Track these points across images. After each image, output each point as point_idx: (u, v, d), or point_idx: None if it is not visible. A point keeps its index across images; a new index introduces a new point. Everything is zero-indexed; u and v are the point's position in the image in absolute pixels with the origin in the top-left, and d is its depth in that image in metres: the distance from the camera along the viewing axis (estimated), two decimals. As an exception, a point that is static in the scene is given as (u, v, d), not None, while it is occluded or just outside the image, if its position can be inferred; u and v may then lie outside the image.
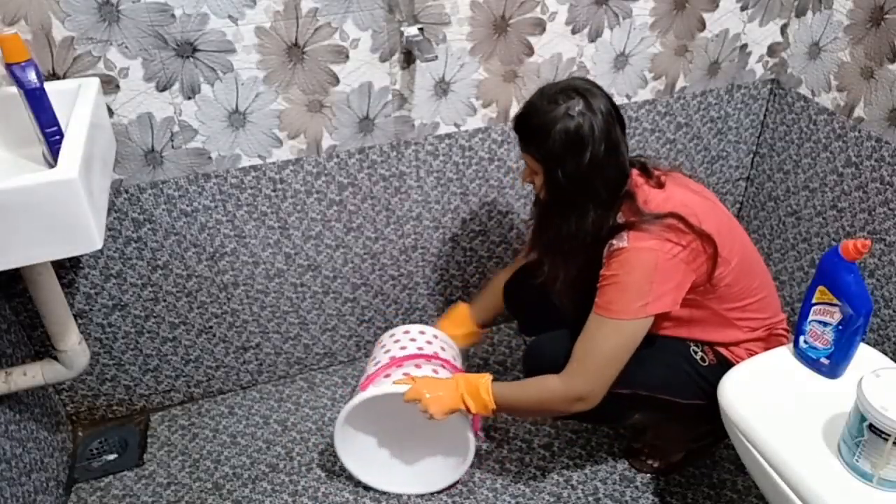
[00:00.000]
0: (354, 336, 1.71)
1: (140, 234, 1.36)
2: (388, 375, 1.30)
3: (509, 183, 1.59)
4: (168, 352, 1.54)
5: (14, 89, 0.96)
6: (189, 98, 1.24)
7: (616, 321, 1.09)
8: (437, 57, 1.35)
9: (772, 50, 1.65)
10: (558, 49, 1.44)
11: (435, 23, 1.31)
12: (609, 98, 1.09)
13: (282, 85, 1.28)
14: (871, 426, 0.91)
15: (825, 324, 1.09)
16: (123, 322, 1.46)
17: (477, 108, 1.46)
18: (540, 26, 1.39)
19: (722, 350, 1.24)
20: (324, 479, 1.47)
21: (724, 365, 1.21)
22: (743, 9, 1.55)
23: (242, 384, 1.68)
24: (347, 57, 1.29)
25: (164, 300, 1.46)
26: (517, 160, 1.56)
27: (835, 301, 1.06)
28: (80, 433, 1.55)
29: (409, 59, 1.34)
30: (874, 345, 1.53)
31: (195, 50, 1.19)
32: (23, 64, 0.92)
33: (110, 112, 1.21)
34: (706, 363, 1.22)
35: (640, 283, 1.08)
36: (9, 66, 0.92)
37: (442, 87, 1.40)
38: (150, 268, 1.41)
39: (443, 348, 1.39)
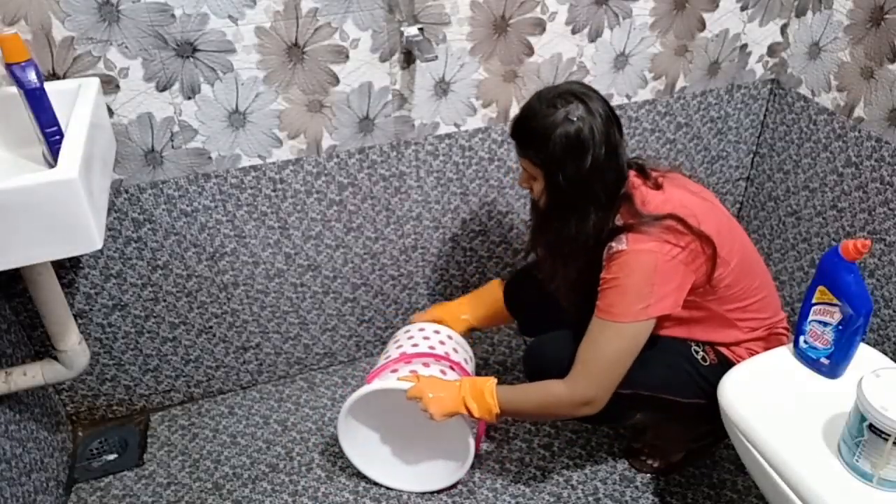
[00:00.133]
0: (354, 336, 1.71)
1: (140, 234, 1.36)
2: (394, 371, 1.30)
3: (509, 183, 1.60)
4: (168, 352, 1.54)
5: (14, 89, 0.96)
6: (189, 98, 1.24)
7: (618, 324, 1.09)
8: (437, 57, 1.35)
9: (772, 50, 1.65)
10: (558, 49, 1.44)
11: (435, 23, 1.31)
12: (606, 101, 1.09)
13: (282, 85, 1.28)
14: (871, 426, 0.91)
15: (825, 324, 1.09)
16: (123, 322, 1.46)
17: (477, 108, 1.46)
18: (540, 26, 1.39)
19: (723, 350, 1.24)
20: (324, 479, 1.47)
21: (725, 364, 1.21)
22: (743, 9, 1.55)
23: (242, 384, 1.68)
24: (347, 57, 1.29)
25: (164, 300, 1.46)
26: (517, 160, 1.56)
27: (835, 301, 1.06)
28: (80, 433, 1.55)
29: (409, 59, 1.34)
30: (874, 345, 1.53)
31: (195, 50, 1.19)
32: (23, 64, 0.92)
33: (110, 112, 1.21)
34: (707, 363, 1.22)
35: (641, 286, 1.08)
36: (9, 66, 0.92)
37: (442, 87, 1.40)
38: (150, 268, 1.41)
39: (455, 350, 1.39)
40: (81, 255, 1.34)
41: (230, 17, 1.18)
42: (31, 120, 0.97)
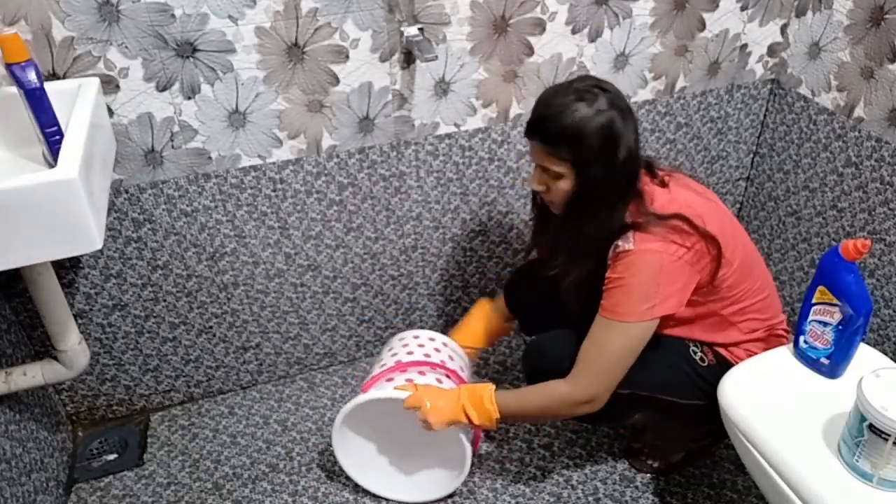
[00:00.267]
0: (354, 336, 1.71)
1: (140, 234, 1.36)
2: (390, 379, 1.29)
3: (509, 183, 1.59)
4: (168, 352, 1.54)
5: (14, 89, 0.96)
6: (189, 98, 1.24)
7: (623, 324, 1.10)
8: (437, 57, 1.35)
9: (772, 50, 1.65)
10: (558, 49, 1.44)
11: (435, 23, 1.31)
12: (620, 92, 1.09)
13: (282, 85, 1.28)
14: (871, 426, 0.91)
15: (825, 324, 1.09)
16: (123, 322, 1.46)
17: (477, 108, 1.46)
18: (540, 26, 1.39)
19: (721, 350, 1.24)
20: (324, 479, 1.47)
21: (724, 365, 1.21)
22: (743, 9, 1.55)
23: (242, 384, 1.68)
24: (347, 57, 1.29)
25: (164, 300, 1.46)
26: (517, 160, 1.56)
27: (835, 301, 1.06)
28: (80, 433, 1.55)
29: (409, 59, 1.34)
30: (874, 345, 1.53)
31: (195, 50, 1.19)
32: (23, 64, 0.92)
33: (110, 112, 1.21)
34: (705, 363, 1.22)
35: (647, 286, 1.08)
36: (9, 66, 0.92)
37: (442, 87, 1.40)
38: (150, 268, 1.41)
39: (451, 357, 1.38)
40: (81, 255, 1.34)
41: (230, 17, 1.18)
42: (31, 120, 0.97)
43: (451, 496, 1.42)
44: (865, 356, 1.15)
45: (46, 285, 1.13)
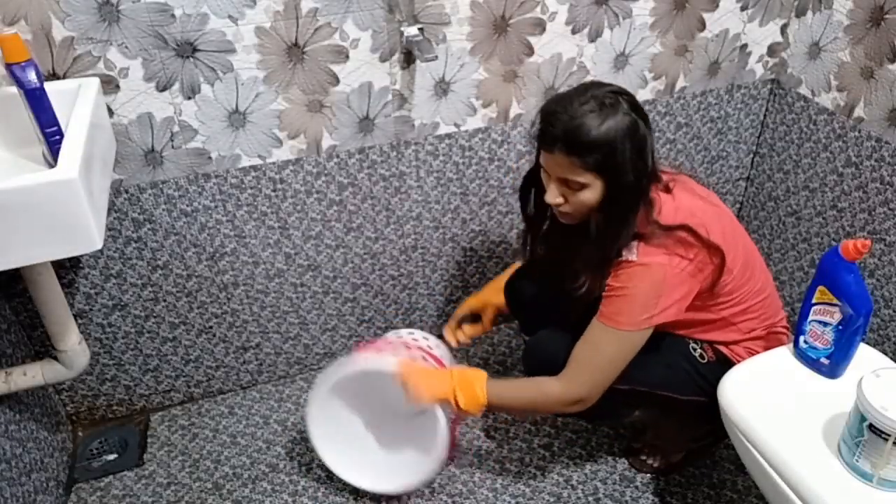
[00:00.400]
0: (354, 336, 1.71)
1: (140, 234, 1.36)
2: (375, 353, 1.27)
3: (509, 183, 1.60)
4: (168, 352, 1.54)
5: (14, 89, 0.96)
6: (189, 98, 1.24)
7: (620, 332, 1.10)
8: (437, 57, 1.35)
9: (772, 50, 1.65)
10: (558, 49, 1.44)
11: (435, 23, 1.31)
12: None
13: (282, 85, 1.28)
14: (871, 426, 0.91)
15: (825, 324, 1.09)
16: (123, 322, 1.46)
17: (477, 108, 1.46)
18: (540, 26, 1.39)
19: (721, 348, 1.24)
20: (324, 479, 1.47)
21: (724, 363, 1.21)
22: (743, 9, 1.55)
23: (242, 384, 1.68)
24: (347, 57, 1.29)
25: (164, 300, 1.46)
26: (517, 160, 1.56)
27: (835, 301, 1.06)
28: (80, 433, 1.55)
29: (409, 59, 1.34)
30: (874, 345, 1.53)
31: (195, 50, 1.19)
32: (23, 64, 0.92)
33: (110, 112, 1.21)
34: (705, 360, 1.22)
35: (647, 297, 1.08)
36: (9, 66, 0.92)
37: (442, 87, 1.40)
38: (150, 268, 1.41)
39: (430, 347, 1.38)
40: (81, 255, 1.34)
41: (230, 17, 1.18)
42: (31, 120, 0.97)
43: (438, 490, 1.42)
44: (865, 356, 1.15)
45: (46, 285, 1.13)
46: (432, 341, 1.41)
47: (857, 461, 0.95)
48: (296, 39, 1.24)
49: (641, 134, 1.03)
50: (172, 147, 1.29)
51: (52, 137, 0.97)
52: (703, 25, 1.53)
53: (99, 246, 0.95)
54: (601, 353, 1.12)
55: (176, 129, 1.27)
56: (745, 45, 1.61)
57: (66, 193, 0.88)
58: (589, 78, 1.50)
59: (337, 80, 1.32)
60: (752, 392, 1.11)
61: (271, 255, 1.49)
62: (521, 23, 1.37)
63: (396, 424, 1.36)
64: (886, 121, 1.42)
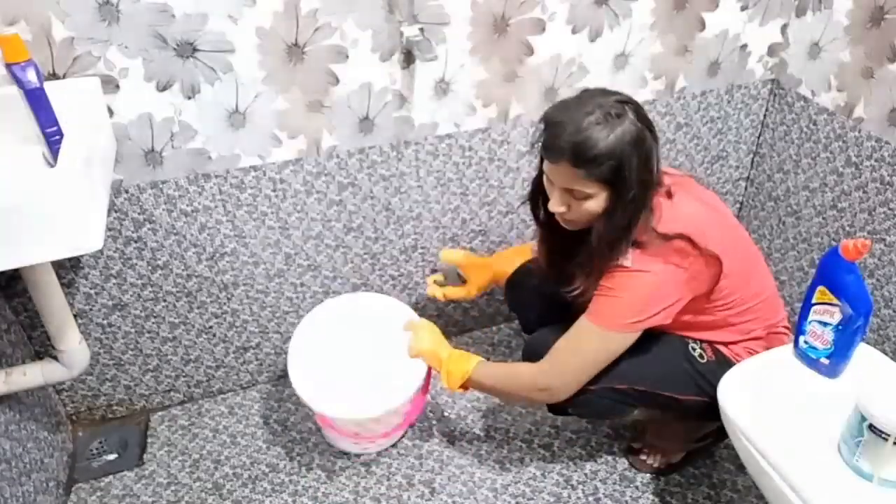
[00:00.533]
0: (354, 336, 1.71)
1: (140, 234, 1.36)
2: None
3: (509, 183, 1.59)
4: (168, 352, 1.54)
5: (14, 89, 0.96)
6: (189, 98, 1.24)
7: (605, 332, 1.11)
8: (437, 57, 1.35)
9: (772, 50, 1.65)
10: (558, 49, 1.44)
11: (435, 23, 1.31)
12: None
13: (282, 85, 1.28)
14: (871, 426, 0.91)
15: (825, 324, 1.09)
16: (123, 322, 1.46)
17: (477, 108, 1.46)
18: (540, 26, 1.39)
19: (721, 348, 1.24)
20: (324, 479, 1.47)
21: (723, 362, 1.21)
22: (743, 9, 1.55)
23: (242, 384, 1.68)
24: (347, 57, 1.29)
25: (164, 300, 1.46)
26: (517, 160, 1.56)
27: (835, 301, 1.06)
28: (80, 433, 1.55)
29: (409, 59, 1.34)
30: (874, 345, 1.53)
31: (195, 50, 1.19)
32: (23, 64, 0.92)
33: (110, 112, 1.21)
34: (704, 360, 1.22)
35: (636, 302, 1.09)
36: (9, 66, 0.92)
37: (442, 87, 1.40)
38: (150, 268, 1.41)
39: None
40: (81, 255, 1.34)
41: (230, 17, 1.18)
42: (31, 120, 0.97)
43: (438, 490, 1.42)
44: (865, 356, 1.15)
45: (46, 285, 1.13)
46: None
47: (857, 461, 0.95)
48: (296, 39, 1.24)
49: (648, 144, 1.03)
50: (172, 147, 1.29)
51: (52, 137, 0.97)
52: (703, 25, 1.53)
53: (99, 246, 0.95)
54: (581, 348, 1.13)
55: (176, 129, 1.27)
56: (745, 45, 1.61)
57: (65, 193, 0.88)
58: (589, 78, 1.50)
59: (337, 80, 1.32)
60: (752, 392, 1.11)
61: (271, 255, 1.49)
62: (521, 23, 1.37)
63: (377, 365, 1.44)
64: (886, 121, 1.42)
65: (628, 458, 1.49)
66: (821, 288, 1.08)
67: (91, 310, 1.42)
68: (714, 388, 1.18)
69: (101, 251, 1.35)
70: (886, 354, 1.18)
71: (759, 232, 1.85)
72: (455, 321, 1.79)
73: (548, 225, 1.22)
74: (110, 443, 1.54)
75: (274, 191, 1.40)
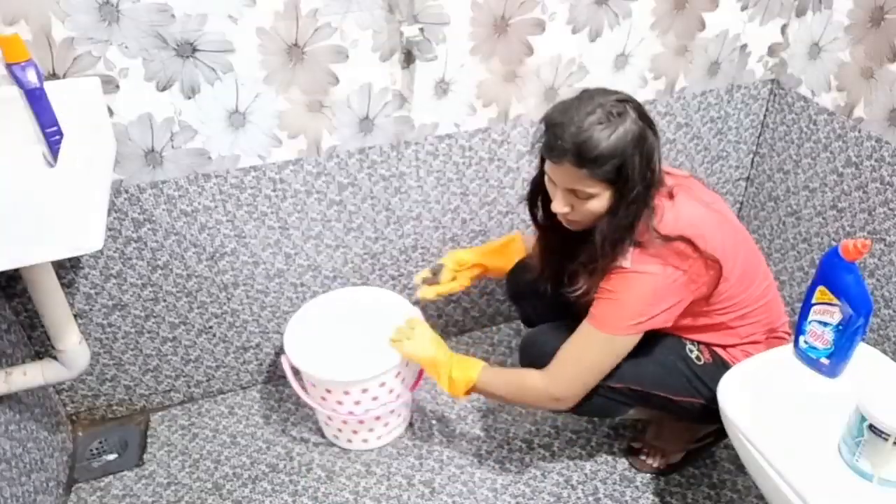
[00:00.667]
0: (354, 336, 1.71)
1: (140, 234, 1.36)
2: None
3: (509, 183, 1.59)
4: (168, 352, 1.54)
5: (14, 89, 0.96)
6: (189, 98, 1.24)
7: (608, 335, 1.11)
8: (437, 57, 1.35)
9: (772, 50, 1.65)
10: (558, 49, 1.44)
11: (435, 23, 1.31)
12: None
13: (282, 85, 1.28)
14: (871, 426, 0.91)
15: (825, 324, 1.09)
16: (123, 322, 1.46)
17: (477, 108, 1.46)
18: (540, 26, 1.39)
19: (718, 350, 1.24)
20: (324, 479, 1.47)
21: (720, 365, 1.21)
22: (743, 9, 1.55)
23: (242, 384, 1.68)
24: (347, 57, 1.29)
25: (164, 300, 1.46)
26: (517, 160, 1.56)
27: (835, 301, 1.06)
28: (80, 433, 1.55)
29: (409, 59, 1.34)
30: (874, 345, 1.53)
31: (195, 50, 1.19)
32: (23, 64, 0.92)
33: (110, 112, 1.21)
34: (701, 362, 1.22)
35: (637, 304, 1.09)
36: (9, 66, 0.92)
37: (442, 87, 1.40)
38: (150, 268, 1.41)
39: None
40: (81, 255, 1.34)
41: (230, 17, 1.18)
42: (31, 120, 0.97)
43: (438, 490, 1.42)
44: (865, 356, 1.15)
45: (46, 285, 1.13)
46: None
47: (857, 461, 0.95)
48: (296, 39, 1.24)
49: (650, 143, 1.03)
50: (172, 147, 1.29)
51: (52, 137, 0.97)
52: (703, 25, 1.53)
53: (99, 246, 0.94)
54: (586, 354, 1.14)
55: (176, 129, 1.27)
56: (745, 45, 1.61)
57: (65, 193, 0.88)
58: (589, 78, 1.50)
59: (337, 80, 1.32)
60: (752, 392, 1.11)
61: (271, 255, 1.49)
62: (521, 23, 1.37)
63: (368, 347, 1.45)
64: (886, 121, 1.42)
65: (628, 458, 1.49)
66: (821, 288, 1.08)
67: (91, 310, 1.42)
68: (709, 390, 1.18)
69: (101, 251, 1.35)
70: (886, 354, 1.18)
71: (759, 232, 1.85)
72: (455, 321, 1.79)
73: (547, 226, 1.22)
74: (110, 443, 1.54)
75: (274, 191, 1.40)
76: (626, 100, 1.03)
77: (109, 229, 1.33)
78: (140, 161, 1.28)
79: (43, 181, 0.88)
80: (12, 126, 1.07)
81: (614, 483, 1.45)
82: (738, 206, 1.91)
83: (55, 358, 1.24)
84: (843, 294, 1.05)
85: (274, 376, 1.70)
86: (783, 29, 1.62)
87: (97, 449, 1.52)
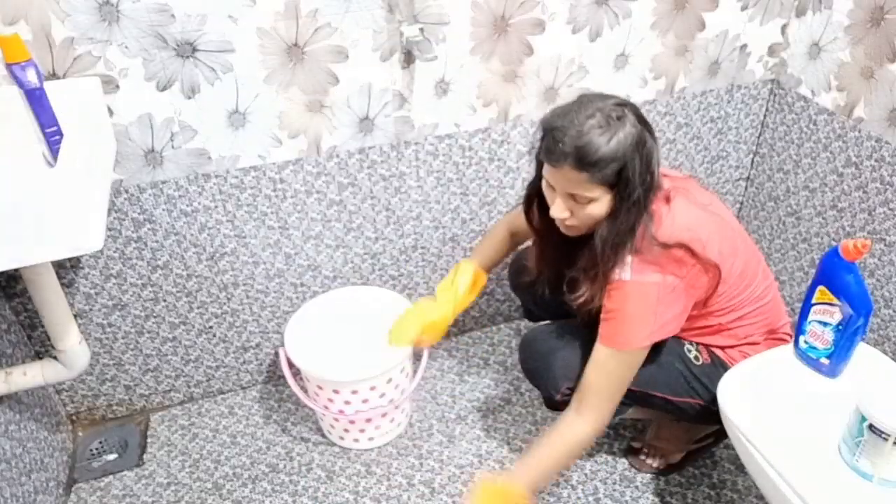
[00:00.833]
0: (354, 336, 1.71)
1: (140, 234, 1.36)
2: None
3: (509, 183, 1.59)
4: (168, 352, 1.54)
5: (14, 89, 0.96)
6: (189, 98, 1.24)
7: (624, 353, 1.11)
8: (437, 57, 1.35)
9: (772, 50, 1.65)
10: (558, 49, 1.44)
11: (435, 23, 1.31)
12: None
13: (282, 85, 1.28)
14: (871, 426, 0.91)
15: (825, 324, 1.09)
16: (123, 322, 1.46)
17: (477, 108, 1.46)
18: (540, 26, 1.39)
19: (717, 351, 1.24)
20: (324, 479, 1.47)
21: (718, 366, 1.21)
22: (743, 9, 1.55)
23: (242, 384, 1.68)
24: (347, 57, 1.29)
25: (164, 300, 1.46)
26: (517, 160, 1.56)
27: (835, 301, 1.06)
28: (80, 433, 1.55)
29: (409, 59, 1.34)
30: (874, 345, 1.53)
31: (195, 50, 1.19)
32: (23, 64, 0.92)
33: (110, 112, 1.21)
34: (700, 362, 1.22)
35: (644, 316, 1.08)
36: (9, 66, 0.92)
37: (442, 87, 1.40)
38: (150, 268, 1.41)
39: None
40: (81, 255, 1.34)
41: (230, 17, 1.18)
42: (31, 120, 0.97)
43: (438, 490, 1.42)
44: (865, 356, 1.15)
45: (46, 285, 1.13)
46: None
47: (857, 461, 0.95)
48: (296, 39, 1.24)
49: (649, 146, 1.02)
50: (172, 147, 1.29)
51: (52, 137, 0.97)
52: (703, 25, 1.53)
53: (99, 246, 0.95)
54: (611, 377, 1.13)
55: (176, 129, 1.27)
56: (745, 45, 1.61)
57: (65, 193, 0.88)
58: (589, 78, 1.50)
59: (337, 80, 1.32)
60: (752, 392, 1.11)
61: (271, 255, 1.49)
62: (521, 23, 1.37)
63: (367, 348, 1.47)
64: (886, 121, 1.42)
65: (628, 458, 1.49)
66: (821, 288, 1.08)
67: (91, 310, 1.42)
68: (708, 391, 1.18)
69: (101, 251, 1.35)
70: (886, 354, 1.18)
71: (759, 232, 1.85)
72: (455, 321, 1.78)
73: (543, 231, 1.20)
74: (110, 443, 1.54)
75: (274, 191, 1.40)
76: (623, 104, 1.03)
77: (109, 229, 1.33)
78: (140, 161, 1.28)
79: (43, 181, 0.88)
80: (12, 126, 1.07)
81: (614, 483, 1.45)
82: (738, 206, 1.91)
83: (55, 358, 1.24)
84: (843, 294, 1.05)
85: (274, 376, 1.70)
86: (783, 29, 1.62)
87: (97, 449, 1.52)
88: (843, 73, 1.50)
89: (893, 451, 0.90)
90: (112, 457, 1.51)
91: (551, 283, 1.24)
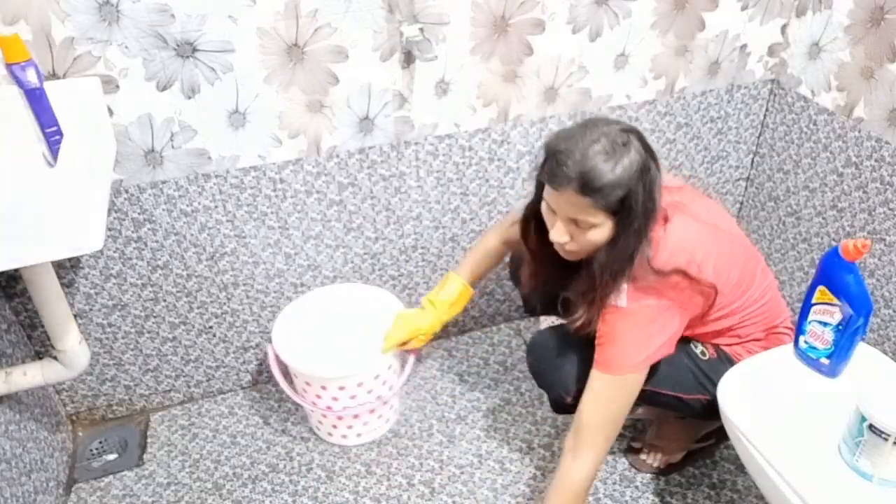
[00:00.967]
0: (354, 336, 1.71)
1: (140, 234, 1.36)
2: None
3: (509, 183, 1.59)
4: (168, 352, 1.54)
5: (14, 89, 0.96)
6: (189, 98, 1.24)
7: (620, 378, 1.09)
8: (437, 57, 1.35)
9: (772, 50, 1.65)
10: (558, 49, 1.44)
11: (435, 23, 1.31)
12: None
13: (282, 85, 1.28)
14: (871, 426, 0.91)
15: (825, 324, 1.09)
16: (123, 322, 1.46)
17: (477, 108, 1.46)
18: (540, 26, 1.39)
19: (723, 346, 1.24)
20: (324, 479, 1.47)
21: (724, 360, 1.21)
22: (743, 9, 1.55)
23: (242, 384, 1.68)
24: (347, 57, 1.29)
25: (164, 300, 1.46)
26: (517, 160, 1.56)
27: (835, 301, 1.06)
28: (80, 433, 1.55)
29: (409, 59, 1.34)
30: (874, 345, 1.53)
31: (195, 50, 1.19)
32: (23, 64, 0.92)
33: (110, 112, 1.21)
34: (706, 357, 1.22)
35: (639, 340, 1.08)
36: (9, 66, 0.92)
37: (442, 87, 1.40)
38: (150, 268, 1.41)
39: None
40: (81, 255, 1.34)
41: (230, 17, 1.18)
42: (31, 120, 0.97)
43: (438, 490, 1.42)
44: (865, 356, 1.15)
45: (46, 285, 1.13)
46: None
47: (857, 461, 0.95)
48: (296, 39, 1.24)
49: (653, 173, 1.01)
50: (172, 147, 1.29)
51: (52, 137, 0.97)
52: (703, 25, 1.53)
53: (99, 246, 0.95)
54: (610, 405, 1.11)
55: (176, 129, 1.27)
56: (745, 45, 1.61)
57: (65, 193, 0.88)
58: (589, 78, 1.50)
59: (337, 80, 1.32)
60: (752, 392, 1.11)
61: (271, 255, 1.49)
62: (521, 23, 1.37)
63: (355, 345, 1.47)
64: (886, 121, 1.42)
65: (628, 458, 1.49)
66: (821, 288, 1.08)
67: (91, 310, 1.42)
68: (715, 385, 1.17)
69: (101, 251, 1.35)
70: (886, 354, 1.18)
71: (759, 232, 1.85)
72: (455, 321, 1.79)
73: (539, 253, 1.19)
74: (110, 443, 1.54)
75: (274, 191, 1.40)
76: (629, 129, 1.01)
77: (109, 229, 1.33)
78: (140, 161, 1.28)
79: (43, 181, 0.88)
80: (12, 126, 1.07)
81: (614, 483, 1.45)
82: (738, 206, 1.91)
83: (55, 358, 1.24)
84: (843, 294, 1.05)
85: (274, 376, 1.69)
86: (783, 29, 1.62)
87: (97, 449, 1.52)
88: (843, 73, 1.50)
89: (893, 451, 0.91)
90: (112, 457, 1.51)
91: (543, 301, 1.24)
